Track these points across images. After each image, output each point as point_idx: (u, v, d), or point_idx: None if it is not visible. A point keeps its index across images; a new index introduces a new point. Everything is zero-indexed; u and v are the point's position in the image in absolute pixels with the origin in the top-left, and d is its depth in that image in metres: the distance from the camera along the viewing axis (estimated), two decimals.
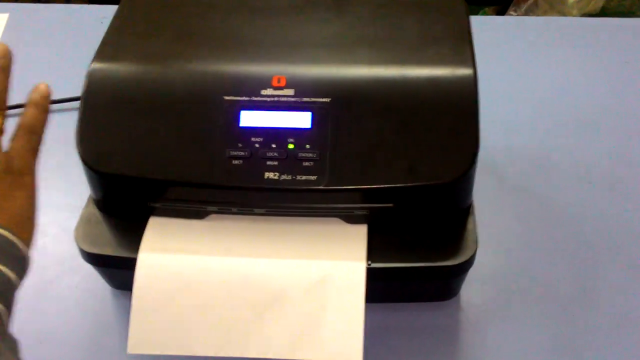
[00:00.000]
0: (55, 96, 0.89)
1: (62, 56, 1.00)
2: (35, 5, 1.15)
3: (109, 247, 0.58)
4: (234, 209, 0.58)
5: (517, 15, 1.73)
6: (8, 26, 1.04)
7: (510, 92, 0.88)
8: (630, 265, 0.67)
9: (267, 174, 0.55)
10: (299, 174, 0.55)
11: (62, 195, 0.76)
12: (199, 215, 0.59)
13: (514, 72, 0.93)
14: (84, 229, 0.60)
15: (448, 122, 0.56)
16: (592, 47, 0.98)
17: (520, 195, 0.75)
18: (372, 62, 0.59)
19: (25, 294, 0.65)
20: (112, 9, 1.21)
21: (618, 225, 0.72)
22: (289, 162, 0.56)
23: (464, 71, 0.58)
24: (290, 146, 0.56)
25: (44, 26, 1.06)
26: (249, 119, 0.57)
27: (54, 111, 0.90)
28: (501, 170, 0.77)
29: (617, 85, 0.91)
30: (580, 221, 0.72)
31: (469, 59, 0.59)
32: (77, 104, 0.91)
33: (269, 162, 0.56)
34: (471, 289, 0.64)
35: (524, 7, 2.26)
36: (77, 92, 0.90)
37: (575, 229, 0.71)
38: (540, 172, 0.78)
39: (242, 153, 0.56)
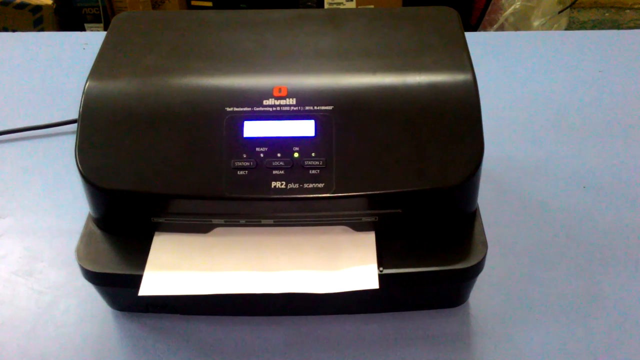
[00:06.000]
0: (41, 122, 0.89)
1: (47, 82, 0.98)
2: (17, 34, 1.14)
3: (113, 265, 0.57)
4: (241, 221, 0.57)
5: None
6: None
7: (496, 102, 0.90)
8: (633, 265, 0.68)
9: (273, 184, 0.55)
10: (306, 182, 0.55)
11: (54, 219, 0.75)
12: (204, 229, 0.58)
13: (497, 83, 0.95)
14: (85, 248, 0.58)
15: (453, 125, 0.56)
16: (568, 58, 1.02)
17: (518, 201, 0.76)
18: (372, 70, 0.59)
19: (23, 320, 0.64)
20: (93, 36, 1.20)
21: (612, 226, 0.72)
22: (295, 171, 0.55)
23: (464, 76, 0.58)
24: (296, 155, 0.55)
25: (27, 53, 1.05)
26: (253, 129, 0.56)
27: (40, 137, 0.89)
28: (499, 178, 0.78)
29: (595, 93, 0.94)
30: (577, 224, 0.72)
31: (467, 65, 0.60)
32: (62, 128, 0.90)
33: (275, 172, 0.55)
34: (480, 295, 0.64)
35: (491, 31, 2.31)
36: (64, 116, 0.90)
37: (573, 232, 0.71)
38: (535, 178, 0.79)
39: (248, 163, 0.55)
